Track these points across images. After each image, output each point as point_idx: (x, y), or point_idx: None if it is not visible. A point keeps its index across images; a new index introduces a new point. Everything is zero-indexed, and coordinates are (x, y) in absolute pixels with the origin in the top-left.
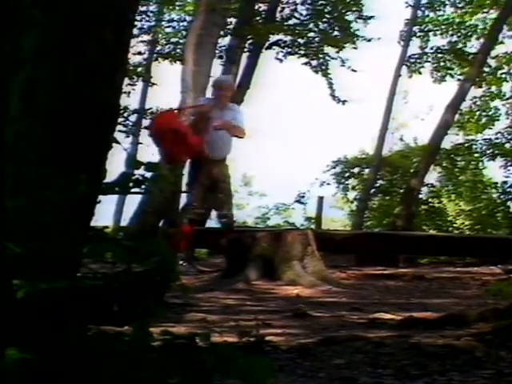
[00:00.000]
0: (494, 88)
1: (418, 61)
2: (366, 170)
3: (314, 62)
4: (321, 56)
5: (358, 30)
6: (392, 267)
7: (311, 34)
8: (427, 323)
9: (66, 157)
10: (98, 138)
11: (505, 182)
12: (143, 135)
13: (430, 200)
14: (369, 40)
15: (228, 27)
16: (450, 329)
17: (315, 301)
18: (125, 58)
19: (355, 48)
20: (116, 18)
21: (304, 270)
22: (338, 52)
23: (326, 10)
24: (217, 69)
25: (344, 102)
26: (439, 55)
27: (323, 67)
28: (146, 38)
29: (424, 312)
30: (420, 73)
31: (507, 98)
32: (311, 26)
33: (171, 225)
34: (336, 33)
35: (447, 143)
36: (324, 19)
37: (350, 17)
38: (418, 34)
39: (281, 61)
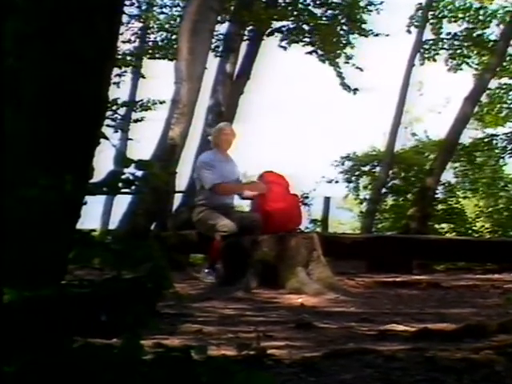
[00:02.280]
0: None
1: (433, 47)
2: (377, 168)
3: (320, 51)
4: (328, 47)
5: (365, 22)
6: (405, 274)
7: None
8: (443, 335)
9: (51, 153)
10: (84, 133)
11: None
12: (133, 130)
13: (446, 200)
14: (376, 35)
15: (226, 12)
16: (468, 341)
17: (321, 311)
18: (115, 47)
19: (365, 36)
20: (108, 2)
21: (309, 277)
22: (343, 47)
23: None
24: (213, 58)
25: (355, 90)
26: (455, 42)
27: (331, 55)
28: (136, 24)
29: (440, 323)
30: (435, 60)
31: None
32: (317, 11)
33: (164, 227)
34: (343, 20)
35: (465, 138)
36: (332, 4)
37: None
38: (431, 21)
39: (284, 49)
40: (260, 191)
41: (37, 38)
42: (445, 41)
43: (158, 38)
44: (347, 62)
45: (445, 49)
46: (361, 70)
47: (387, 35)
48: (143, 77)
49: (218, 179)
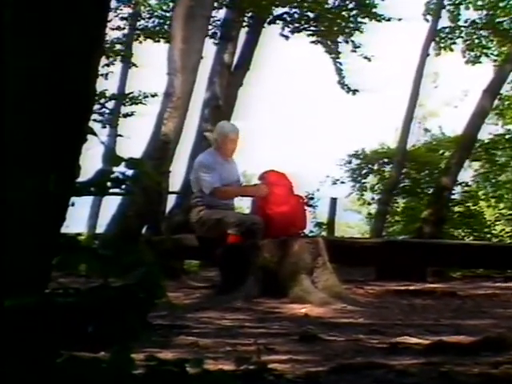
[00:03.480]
0: None
1: (450, 36)
2: (388, 167)
3: (326, 41)
4: (334, 36)
5: (375, 6)
6: (418, 282)
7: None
8: (460, 348)
9: (33, 151)
10: (70, 128)
11: None
12: (123, 125)
13: (463, 202)
14: (388, 19)
15: None
16: (487, 355)
17: (327, 322)
18: (103, 35)
19: (377, 20)
20: None
21: (314, 286)
22: (350, 35)
23: None
24: (210, 47)
25: (354, 91)
26: (473, 31)
27: (334, 47)
28: (125, 10)
29: (456, 335)
30: (451, 49)
31: None
32: None
33: (156, 231)
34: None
35: (484, 134)
36: None
37: None
38: (448, 8)
39: (287, 38)
40: (262, 194)
41: (17, 26)
42: (462, 29)
43: (150, 25)
44: (354, 51)
45: (462, 37)
46: (369, 59)
47: (400, 19)
48: (135, 65)
49: (218, 182)
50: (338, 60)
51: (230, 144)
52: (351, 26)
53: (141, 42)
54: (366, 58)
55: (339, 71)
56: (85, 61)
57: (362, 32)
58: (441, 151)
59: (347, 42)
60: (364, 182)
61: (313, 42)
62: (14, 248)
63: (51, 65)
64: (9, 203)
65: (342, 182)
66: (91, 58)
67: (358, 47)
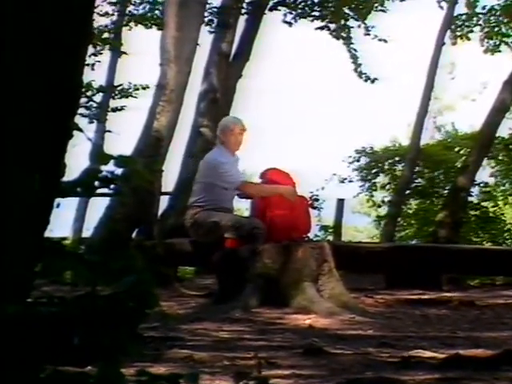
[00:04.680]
0: None
1: (467, 23)
2: (400, 165)
3: (333, 26)
4: (342, 20)
5: None
6: (433, 290)
7: None
8: (478, 362)
9: (14, 148)
10: (55, 123)
11: None
12: (111, 120)
13: (482, 204)
14: None
15: None
16: (507, 369)
17: (333, 333)
18: (90, 22)
19: (383, 11)
20: None
21: (319, 294)
22: (361, 18)
23: None
24: (206, 35)
25: (374, 80)
26: (491, 18)
27: (345, 33)
28: None
29: (474, 348)
30: (468, 38)
31: None
32: None
33: (147, 235)
34: None
35: (504, 130)
36: None
37: None
38: None
39: (290, 24)
40: (292, 197)
41: None
42: (480, 16)
43: (141, 11)
44: (368, 34)
45: (479, 25)
46: (385, 41)
47: None
48: (125, 53)
49: (243, 176)
50: (352, 46)
51: (233, 137)
52: (361, 7)
53: (130, 29)
54: (380, 40)
55: (355, 58)
56: (70, 50)
57: (369, 29)
58: (457, 149)
59: (359, 25)
60: (374, 182)
61: (319, 27)
62: None
63: (36, 54)
64: None
65: (350, 181)
66: (77, 46)
67: (372, 27)
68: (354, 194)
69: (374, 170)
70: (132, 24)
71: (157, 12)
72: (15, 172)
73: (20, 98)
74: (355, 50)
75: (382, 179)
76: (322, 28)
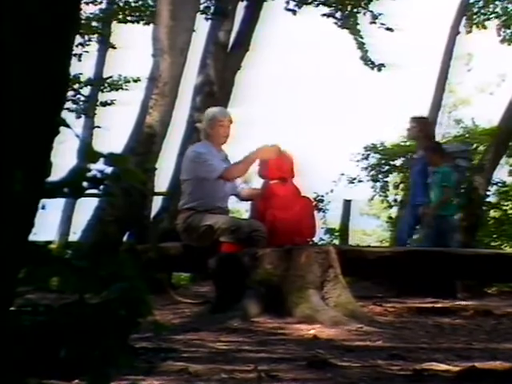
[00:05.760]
0: None
1: (482, 11)
2: None
3: (339, 14)
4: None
5: None
6: (447, 299)
7: None
8: (495, 375)
9: None
10: (40, 119)
11: None
12: (101, 115)
13: (500, 205)
14: None
15: None
16: None
17: (339, 345)
18: (77, 10)
19: None
20: None
21: (324, 302)
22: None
23: None
24: (202, 24)
25: (380, 67)
26: (510, 5)
27: (351, 21)
28: None
29: (491, 360)
30: (485, 27)
31: None
32: None
33: (139, 238)
34: None
35: None
36: None
37: None
38: None
39: (294, 12)
40: (274, 155)
41: None
42: (497, 3)
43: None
44: (374, 22)
45: (496, 12)
46: (391, 30)
47: None
48: (113, 47)
49: (224, 165)
50: (359, 32)
51: (220, 128)
52: None
53: (120, 22)
54: (388, 29)
55: (361, 45)
56: (56, 40)
57: (376, 17)
58: (474, 145)
59: (365, 13)
60: (386, 181)
61: (325, 14)
62: None
63: (19, 44)
64: None
65: (360, 181)
66: (64, 36)
67: (380, 15)
68: (364, 195)
69: (384, 169)
70: (121, 16)
71: (149, 0)
72: None
73: (3, 94)
74: (361, 36)
75: (393, 178)
76: (327, 16)
